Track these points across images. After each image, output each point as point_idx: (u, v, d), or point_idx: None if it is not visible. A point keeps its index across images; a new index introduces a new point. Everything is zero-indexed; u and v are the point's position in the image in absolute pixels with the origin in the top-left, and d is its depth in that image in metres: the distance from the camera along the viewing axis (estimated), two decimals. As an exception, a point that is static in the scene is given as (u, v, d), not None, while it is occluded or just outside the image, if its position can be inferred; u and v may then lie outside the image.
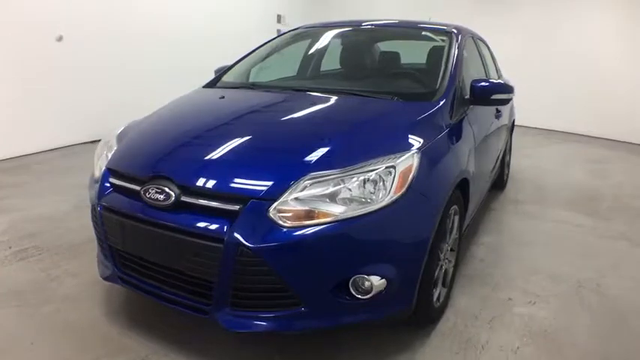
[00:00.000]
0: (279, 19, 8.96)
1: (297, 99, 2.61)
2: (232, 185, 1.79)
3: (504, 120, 3.88)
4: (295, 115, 2.34)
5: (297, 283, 1.73)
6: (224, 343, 2.11)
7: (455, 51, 2.90)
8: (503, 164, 4.39)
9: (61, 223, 3.31)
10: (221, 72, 3.23)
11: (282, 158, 1.92)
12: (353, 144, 1.97)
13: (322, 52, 3.55)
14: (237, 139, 2.04)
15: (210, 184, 1.81)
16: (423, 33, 3.26)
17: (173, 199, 1.81)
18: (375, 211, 1.75)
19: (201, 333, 2.17)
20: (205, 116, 2.43)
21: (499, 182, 4.36)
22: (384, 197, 1.77)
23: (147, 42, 6.15)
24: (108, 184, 2.09)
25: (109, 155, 2.27)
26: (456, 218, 2.42)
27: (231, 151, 1.97)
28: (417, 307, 2.05)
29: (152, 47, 6.22)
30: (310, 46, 3.56)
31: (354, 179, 1.77)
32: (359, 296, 1.81)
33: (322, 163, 1.82)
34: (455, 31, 3.14)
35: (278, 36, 3.61)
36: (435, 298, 2.22)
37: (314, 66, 3.52)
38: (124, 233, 2.00)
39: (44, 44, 4.98)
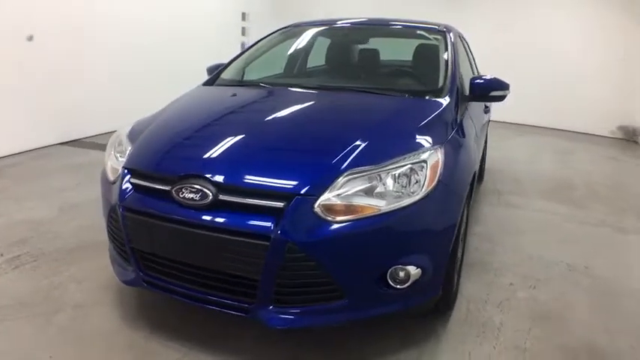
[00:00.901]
0: (243, 16, 8.87)
1: (313, 96, 2.63)
2: (274, 182, 1.79)
3: (489, 115, 4.07)
4: (318, 112, 2.37)
5: (341, 276, 1.77)
6: (255, 340, 2.11)
7: (451, 48, 3.01)
8: (484, 157, 4.59)
9: (50, 228, 3.16)
10: (218, 70, 3.18)
11: (319, 155, 1.94)
12: (382, 140, 2.03)
13: (319, 50, 3.55)
14: (267, 137, 2.05)
15: (250, 181, 1.81)
16: (418, 32, 3.35)
17: (210, 198, 1.78)
18: (413, 204, 1.81)
19: (229, 331, 2.15)
20: (226, 114, 2.41)
21: (479, 174, 4.55)
22: (419, 190, 1.84)
23: (115, 43, 5.88)
24: (129, 185, 2.02)
25: (123, 155, 2.21)
26: (466, 209, 2.52)
27: (265, 148, 1.97)
28: (441, 295, 2.14)
29: (120, 48, 5.94)
30: (304, 45, 3.57)
31: (389, 174, 1.83)
32: (397, 286, 1.87)
33: (358, 160, 1.86)
34: (445, 29, 3.26)
35: (271, 34, 3.58)
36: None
37: (312, 64, 3.52)
38: (151, 235, 1.94)
39: (14, 44, 4.71)
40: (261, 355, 2.03)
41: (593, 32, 7.68)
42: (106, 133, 5.74)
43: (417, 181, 1.85)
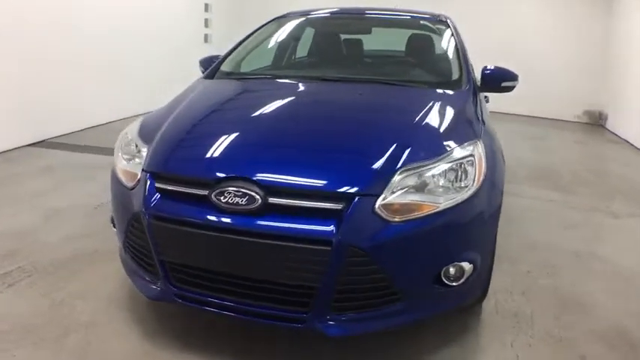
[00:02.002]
0: (206, 7, 8.55)
1: (335, 88, 2.53)
2: (330, 183, 1.68)
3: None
4: (349, 106, 2.27)
5: (401, 278, 1.69)
6: (286, 351, 1.99)
7: (458, 38, 2.97)
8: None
9: (37, 238, 2.89)
10: (217, 62, 2.99)
11: (371, 153, 1.82)
12: (427, 136, 1.97)
13: (325, 40, 3.40)
14: (307, 135, 1.94)
15: (303, 183, 1.68)
16: (421, 22, 3.28)
17: (259, 202, 1.64)
18: (468, 199, 1.76)
19: (261, 344, 2.02)
20: (250, 110, 2.25)
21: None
22: (471, 185, 1.79)
23: (72, 37, 5.44)
24: (154, 190, 1.83)
25: (133, 157, 2.03)
26: None
27: (309, 147, 1.86)
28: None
29: (79, 42, 5.49)
30: (305, 35, 3.43)
31: (441, 170, 1.77)
32: (452, 283, 1.81)
33: (410, 157, 1.78)
34: (446, 18, 3.22)
35: (265, 24, 3.40)
36: None
37: (321, 53, 3.35)
38: (185, 245, 1.78)
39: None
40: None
41: (558, 20, 7.92)
42: (71, 133, 5.36)
43: (466, 176, 1.80)
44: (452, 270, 1.80)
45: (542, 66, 7.93)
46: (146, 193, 1.82)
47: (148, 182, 1.85)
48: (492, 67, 2.75)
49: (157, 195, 1.82)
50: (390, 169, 1.71)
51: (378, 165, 1.74)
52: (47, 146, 4.92)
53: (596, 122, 8.02)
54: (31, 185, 3.77)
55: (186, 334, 2.06)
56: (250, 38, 3.23)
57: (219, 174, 1.73)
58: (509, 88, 2.80)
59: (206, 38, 8.65)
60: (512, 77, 2.75)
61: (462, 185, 1.78)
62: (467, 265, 1.82)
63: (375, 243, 1.61)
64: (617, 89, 7.31)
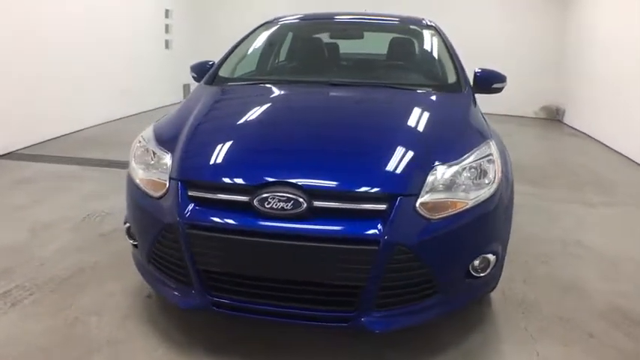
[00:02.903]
0: (167, 13, 8.39)
1: (350, 94, 2.60)
2: (372, 184, 1.74)
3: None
4: (371, 111, 2.35)
5: (440, 272, 1.77)
6: (328, 349, 2.01)
7: (448, 41, 3.09)
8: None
9: (30, 254, 2.74)
10: (215, 67, 2.96)
11: (404, 155, 1.89)
12: (448, 137, 2.07)
13: (321, 45, 3.43)
14: (338, 138, 2.00)
15: (347, 185, 1.73)
16: (411, 26, 3.37)
17: (305, 206, 1.66)
18: (492, 195, 1.86)
19: (315, 343, 2.03)
20: (275, 115, 2.28)
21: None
22: (492, 182, 1.89)
23: (37, 49, 5.13)
24: (189, 199, 1.80)
25: (149, 166, 1.99)
26: None
27: (345, 150, 1.92)
28: None
29: (35, 50, 5.19)
30: (302, 39, 3.44)
31: (466, 169, 1.87)
32: (480, 274, 1.90)
33: (439, 157, 1.86)
34: (432, 22, 3.33)
35: (256, 29, 3.39)
36: None
37: (320, 58, 3.37)
38: (226, 252, 1.76)
39: None
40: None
41: (517, 20, 8.27)
42: (33, 145, 5.10)
43: (487, 173, 1.90)
44: (479, 262, 1.89)
45: (503, 65, 8.20)
46: (179, 201, 1.79)
47: (179, 191, 1.81)
48: (483, 70, 2.87)
49: (192, 203, 1.79)
50: (423, 170, 1.79)
51: (413, 166, 1.81)
52: (17, 158, 4.68)
53: (553, 117, 8.48)
54: (10, 199, 3.58)
55: (225, 340, 2.04)
56: (244, 43, 3.22)
57: (262, 180, 1.73)
58: (499, 90, 2.91)
59: (167, 44, 8.48)
60: (502, 79, 2.88)
61: (485, 182, 1.88)
62: (491, 257, 1.92)
63: (419, 240, 1.68)
64: (572, 84, 7.71)
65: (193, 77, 3.07)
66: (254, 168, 1.83)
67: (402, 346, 2.03)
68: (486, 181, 1.88)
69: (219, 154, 1.92)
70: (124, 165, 4.43)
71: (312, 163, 1.86)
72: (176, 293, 1.91)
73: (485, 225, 1.88)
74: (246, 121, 2.21)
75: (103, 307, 2.26)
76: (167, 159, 1.95)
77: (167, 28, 8.44)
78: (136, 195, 1.99)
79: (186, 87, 8.99)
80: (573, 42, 7.87)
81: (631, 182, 4.82)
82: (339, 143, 1.99)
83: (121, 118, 6.87)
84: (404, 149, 1.92)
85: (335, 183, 1.74)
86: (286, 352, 2.00)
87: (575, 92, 7.66)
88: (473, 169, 1.88)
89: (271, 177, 1.73)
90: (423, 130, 2.07)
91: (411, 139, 2.01)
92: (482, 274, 1.91)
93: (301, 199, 1.66)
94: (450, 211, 1.76)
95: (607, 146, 6.31)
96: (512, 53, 8.24)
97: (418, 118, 2.20)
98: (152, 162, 2.01)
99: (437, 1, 8.45)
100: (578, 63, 7.59)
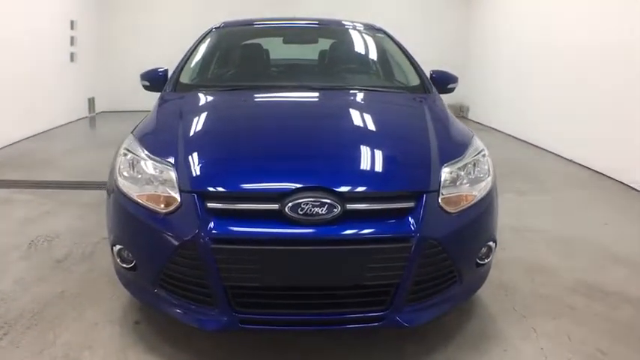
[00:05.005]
0: (72, 24, 7.78)
1: (329, 97, 2.64)
2: (402, 184, 1.81)
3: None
4: (365, 112, 2.42)
5: (459, 262, 1.87)
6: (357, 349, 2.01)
7: (400, 45, 3.25)
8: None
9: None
10: (174, 74, 2.83)
11: (419, 154, 1.98)
12: (446, 135, 2.19)
13: (275, 49, 3.41)
14: (353, 140, 2.05)
15: (379, 186, 1.79)
16: (365, 30, 3.45)
17: (339, 209, 1.66)
18: (492, 188, 2.03)
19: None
20: (278, 120, 2.28)
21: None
22: (489, 175, 2.05)
23: None
24: (207, 211, 1.70)
25: (139, 181, 1.86)
26: None
27: (367, 153, 1.95)
28: None
29: None
30: (257, 45, 3.39)
31: (469, 164, 2.00)
32: (485, 261, 2.05)
33: (446, 155, 1.97)
34: (379, 27, 3.48)
35: (205, 35, 3.29)
36: None
37: (270, 64, 3.36)
38: (260, 264, 1.69)
39: None
40: None
41: (423, 19, 8.68)
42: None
43: (482, 167, 2.05)
44: (485, 250, 2.03)
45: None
46: (199, 215, 1.69)
47: (196, 204, 1.71)
48: (437, 71, 3.06)
49: (212, 216, 1.70)
50: (438, 167, 1.88)
51: (430, 164, 1.90)
52: None
53: (458, 115, 9.17)
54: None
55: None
56: (198, 49, 3.12)
57: (295, 186, 1.69)
58: (452, 90, 3.11)
59: (72, 57, 7.86)
60: (455, 79, 3.08)
61: (483, 175, 2.03)
62: (492, 244, 2.08)
63: (444, 233, 1.77)
64: (476, 81, 8.28)
65: (145, 86, 2.91)
66: (283, 174, 1.80)
67: (416, 337, 2.10)
68: (484, 174, 2.03)
69: (239, 162, 1.86)
70: (53, 185, 4.16)
71: (342, 167, 1.87)
72: (197, 316, 1.79)
73: (489, 214, 2.02)
74: (248, 127, 2.17)
75: (92, 340, 2.04)
76: (171, 171, 1.81)
77: (72, 40, 7.83)
78: (135, 213, 1.82)
79: (91, 101, 8.50)
80: (477, 42, 8.49)
81: (550, 169, 5.30)
82: (358, 146, 2.02)
83: (29, 137, 6.25)
84: (419, 147, 2.02)
85: (367, 185, 1.78)
86: (306, 350, 1.99)
87: (479, 89, 8.26)
88: (472, 164, 2.02)
89: (304, 182, 1.71)
90: (427, 130, 2.16)
91: (421, 137, 2.10)
92: (486, 261, 2.05)
93: (336, 203, 1.67)
94: (464, 204, 1.88)
95: (512, 136, 6.98)
96: (417, 57, 8.73)
97: (418, 118, 2.32)
98: (149, 175, 1.86)
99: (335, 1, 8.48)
100: (481, 60, 8.20)
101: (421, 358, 1.98)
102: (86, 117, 8.28)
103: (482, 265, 2.05)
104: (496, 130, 7.63)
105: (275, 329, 1.79)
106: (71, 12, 7.77)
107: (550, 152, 5.99)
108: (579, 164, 5.34)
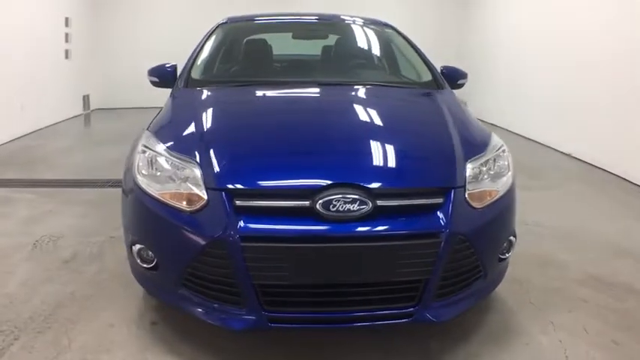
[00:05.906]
0: (67, 22, 7.67)
1: (344, 92, 2.61)
2: (431, 181, 1.80)
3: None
4: (386, 108, 2.41)
5: (485, 257, 1.86)
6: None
7: (410, 41, 3.22)
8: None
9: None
10: (184, 70, 2.77)
11: (445, 151, 1.96)
12: (467, 131, 2.17)
13: (282, 45, 3.37)
14: (378, 137, 2.02)
15: (409, 182, 1.78)
16: (372, 26, 3.43)
17: (370, 205, 1.64)
18: (512, 181, 2.03)
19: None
20: (302, 116, 2.27)
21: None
22: (509, 170, 2.05)
23: None
24: (235, 209, 1.67)
25: (159, 180, 1.82)
26: None
27: (395, 150, 1.93)
28: None
29: None
30: (263, 40, 3.34)
31: (490, 160, 1.99)
32: (506, 255, 2.05)
33: (470, 151, 1.96)
34: (388, 23, 3.45)
35: (213, 30, 3.24)
36: None
37: (285, 59, 3.33)
38: (291, 262, 1.66)
39: None
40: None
41: (418, 18, 8.66)
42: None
43: (502, 162, 2.04)
44: (506, 244, 2.03)
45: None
46: (227, 213, 1.65)
47: (224, 202, 1.67)
48: (447, 67, 3.03)
49: (241, 214, 1.66)
50: (462, 163, 1.87)
51: (456, 160, 1.88)
52: None
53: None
54: None
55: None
56: (206, 45, 3.06)
57: (327, 182, 1.67)
58: (462, 85, 3.09)
59: (67, 54, 7.75)
60: (464, 75, 3.07)
61: (504, 171, 2.02)
62: (513, 239, 2.08)
63: (472, 228, 1.76)
64: (474, 78, 8.21)
65: (153, 82, 2.85)
66: (313, 171, 1.77)
67: (440, 334, 2.08)
68: (505, 170, 2.02)
69: (267, 158, 1.83)
70: (55, 183, 4.07)
71: (372, 163, 1.86)
72: (224, 316, 1.76)
73: (511, 209, 2.02)
74: (271, 123, 2.14)
75: (109, 342, 2.00)
76: (195, 168, 1.78)
77: (67, 37, 7.73)
78: (158, 212, 1.78)
79: (85, 98, 8.42)
80: (475, 40, 8.53)
81: (553, 165, 5.33)
82: (384, 143, 1.99)
83: (27, 134, 6.17)
84: (443, 143, 2.00)
85: (397, 181, 1.78)
86: (329, 349, 1.96)
87: (477, 86, 8.32)
88: (493, 160, 2.01)
89: (335, 179, 1.68)
90: (448, 126, 2.14)
91: (443, 133, 2.08)
92: (507, 255, 2.05)
93: (367, 199, 1.65)
94: (489, 200, 1.87)
95: (513, 132, 7.01)
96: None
97: (437, 114, 2.30)
98: (170, 172, 1.82)
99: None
100: (479, 59, 8.23)
101: (445, 354, 1.97)
102: (81, 114, 8.19)
103: (504, 259, 2.05)
104: (492, 124, 7.64)
105: (305, 327, 1.76)
106: (66, 9, 7.70)
107: (551, 148, 6.03)
108: (580, 160, 5.38)
